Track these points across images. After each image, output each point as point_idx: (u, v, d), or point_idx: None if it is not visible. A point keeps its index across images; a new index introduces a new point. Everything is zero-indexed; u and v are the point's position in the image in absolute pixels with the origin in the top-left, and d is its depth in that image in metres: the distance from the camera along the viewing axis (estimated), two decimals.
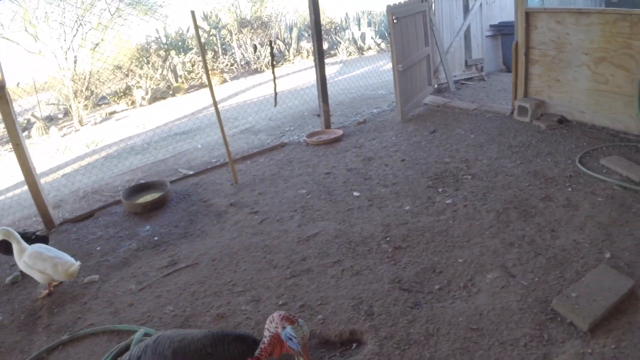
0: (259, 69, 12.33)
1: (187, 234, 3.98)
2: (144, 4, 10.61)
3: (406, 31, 5.60)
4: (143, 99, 10.16)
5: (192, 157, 5.95)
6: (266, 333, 1.56)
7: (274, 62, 5.49)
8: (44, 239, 4.02)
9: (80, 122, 9.26)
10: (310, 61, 12.58)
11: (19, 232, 3.39)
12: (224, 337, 1.58)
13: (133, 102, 10.26)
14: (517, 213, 3.40)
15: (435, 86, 6.80)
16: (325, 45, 13.09)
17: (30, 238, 3.91)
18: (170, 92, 10.57)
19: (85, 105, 9.73)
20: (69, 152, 7.95)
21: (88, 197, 5.43)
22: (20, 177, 4.50)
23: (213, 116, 5.23)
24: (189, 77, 11.49)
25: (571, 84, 4.82)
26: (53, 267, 3.16)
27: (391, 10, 5.30)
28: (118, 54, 9.82)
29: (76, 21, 9.36)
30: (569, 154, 4.23)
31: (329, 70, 10.94)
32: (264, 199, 4.35)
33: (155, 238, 4.01)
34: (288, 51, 12.85)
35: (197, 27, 4.25)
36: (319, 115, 6.64)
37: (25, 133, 9.14)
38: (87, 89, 9.84)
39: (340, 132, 5.68)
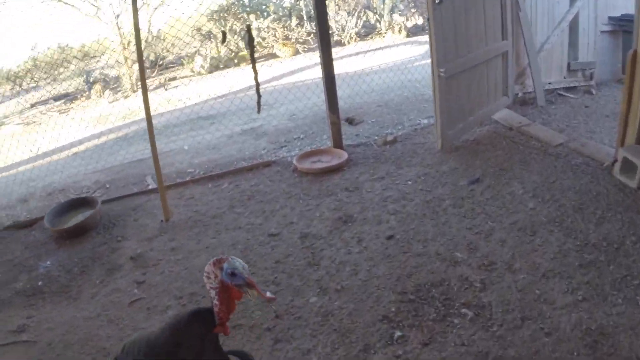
0: (342, 42, 10.61)
1: (64, 289, 3.02)
2: None
3: (462, 15, 3.59)
4: (202, 67, 9.30)
5: (169, 162, 4.80)
6: (212, 292, 1.38)
7: (253, 53, 3.96)
8: None
9: (133, 89, 8.77)
10: (402, 37, 10.47)
11: None
12: (180, 323, 1.42)
13: (192, 70, 9.49)
14: None
15: (519, 95, 4.58)
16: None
17: None
18: (235, 61, 9.51)
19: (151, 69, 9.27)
20: (103, 123, 7.45)
21: (54, 195, 4.69)
22: None
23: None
24: (262, 44, 10.28)
25: None
26: None
27: None
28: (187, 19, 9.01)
29: None
30: None
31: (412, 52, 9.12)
32: (170, 260, 3.04)
33: (40, 283, 3.13)
34: (379, 23, 10.81)
35: None
36: (348, 122, 4.99)
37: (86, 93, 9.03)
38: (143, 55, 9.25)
39: (344, 156, 4.00)
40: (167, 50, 9.85)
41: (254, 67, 3.86)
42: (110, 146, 5.93)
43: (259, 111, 4.09)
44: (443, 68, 3.50)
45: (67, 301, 2.88)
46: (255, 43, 3.84)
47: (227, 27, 9.99)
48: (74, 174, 5.05)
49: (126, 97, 8.69)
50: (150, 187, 4.17)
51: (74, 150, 6.23)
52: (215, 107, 6.36)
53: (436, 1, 3.32)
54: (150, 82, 9.17)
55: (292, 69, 8.80)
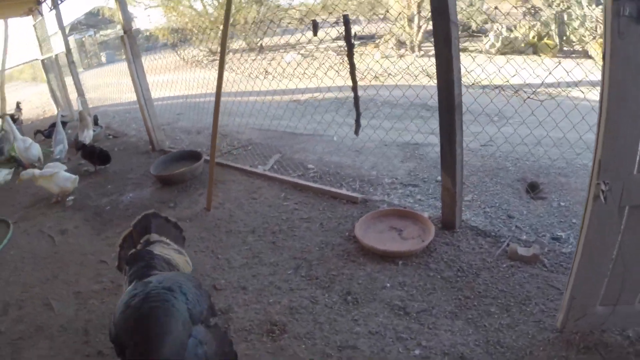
0: None
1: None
2: None
3: None
4: (492, 46, 7.65)
5: (301, 148, 4.24)
6: None
7: (352, 54, 2.64)
8: (106, 157, 4.42)
9: (415, 49, 8.15)
10: None
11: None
12: None
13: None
14: None
15: None
16: None
17: (94, 152, 4.42)
18: (530, 49, 7.36)
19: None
20: (361, 78, 7.26)
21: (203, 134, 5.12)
22: None
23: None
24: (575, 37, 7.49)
25: None
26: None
27: None
28: None
29: None
30: None
31: None
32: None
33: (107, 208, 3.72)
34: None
35: None
36: (529, 189, 3.24)
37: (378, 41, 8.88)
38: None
39: (429, 235, 2.52)
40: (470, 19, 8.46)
41: (352, 75, 2.74)
42: (325, 106, 5.70)
43: (356, 132, 2.98)
44: (610, 180, 1.54)
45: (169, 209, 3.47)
46: (355, 41, 2.64)
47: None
48: (250, 124, 5.19)
49: (401, 56, 8.18)
50: (260, 169, 3.91)
51: (295, 97, 6.37)
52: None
53: (624, 13, 1.36)
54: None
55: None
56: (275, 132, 4.87)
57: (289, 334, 2.06)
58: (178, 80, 6.23)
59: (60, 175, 3.86)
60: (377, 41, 8.96)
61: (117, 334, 1.36)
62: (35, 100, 13.18)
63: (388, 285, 2.31)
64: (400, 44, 8.84)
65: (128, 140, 5.89)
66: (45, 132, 6.16)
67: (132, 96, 5.32)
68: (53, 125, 6.01)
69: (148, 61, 5.92)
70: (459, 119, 2.41)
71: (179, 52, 6.42)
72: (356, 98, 2.79)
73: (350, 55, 2.65)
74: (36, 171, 3.84)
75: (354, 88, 2.76)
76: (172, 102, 7.20)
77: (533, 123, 3.30)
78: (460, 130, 2.45)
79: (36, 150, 4.95)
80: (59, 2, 6.65)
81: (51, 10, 6.86)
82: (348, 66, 2.69)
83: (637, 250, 1.64)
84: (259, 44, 9.44)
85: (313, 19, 2.71)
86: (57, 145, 4.99)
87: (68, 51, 6.77)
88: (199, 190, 3.72)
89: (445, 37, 2.19)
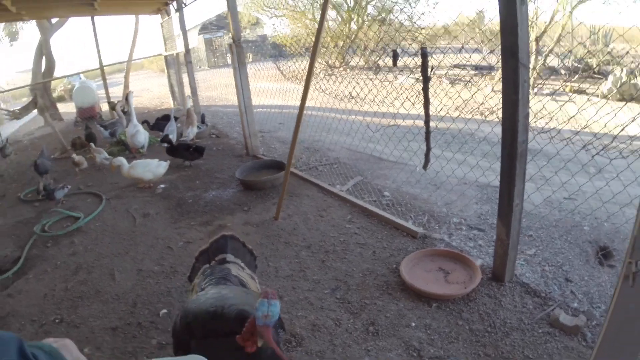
0: None
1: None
2: None
3: None
4: (610, 91, 6.72)
5: (391, 176, 4.31)
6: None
7: (427, 88, 2.57)
8: (199, 150, 5.02)
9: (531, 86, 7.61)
10: None
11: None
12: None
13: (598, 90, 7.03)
14: None
15: None
16: None
17: (189, 148, 5.05)
18: None
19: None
20: (465, 111, 7.11)
21: (305, 154, 5.44)
22: None
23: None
24: None
25: None
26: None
27: None
28: None
29: None
30: None
31: None
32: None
33: (190, 201, 4.19)
34: None
35: None
36: (601, 256, 2.97)
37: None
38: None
39: (476, 280, 2.47)
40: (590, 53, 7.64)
41: (426, 108, 2.77)
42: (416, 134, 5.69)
43: (425, 167, 2.99)
44: None
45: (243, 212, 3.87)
46: (431, 73, 2.65)
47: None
48: (342, 142, 5.36)
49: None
50: (336, 188, 4.12)
51: (399, 122, 6.40)
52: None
53: None
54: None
55: None
56: (363, 154, 5.01)
57: (303, 348, 2.21)
58: (290, 89, 6.65)
59: (148, 164, 4.45)
60: (493, 73, 8.55)
61: (188, 324, 1.42)
62: (156, 91, 14.65)
63: (413, 324, 2.32)
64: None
65: (228, 141, 6.44)
66: (151, 124, 6.83)
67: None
68: (163, 117, 6.87)
69: (271, 69, 6.37)
70: (521, 167, 2.32)
71: (279, 66, 6.86)
72: (427, 132, 2.83)
73: (425, 89, 2.70)
74: (124, 164, 4.43)
75: (426, 122, 2.80)
76: (278, 111, 7.68)
77: (629, 179, 2.97)
78: (522, 179, 2.36)
79: (142, 137, 5.78)
80: (184, 5, 7.41)
81: (176, 11, 7.58)
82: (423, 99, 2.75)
83: None
84: (376, 64, 9.68)
85: (394, 49, 2.82)
86: (167, 131, 5.86)
87: (187, 52, 7.49)
88: (274, 199, 3.99)
89: (514, 80, 2.14)
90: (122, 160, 4.52)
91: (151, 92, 14.06)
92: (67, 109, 12.54)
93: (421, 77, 2.69)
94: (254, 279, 2.02)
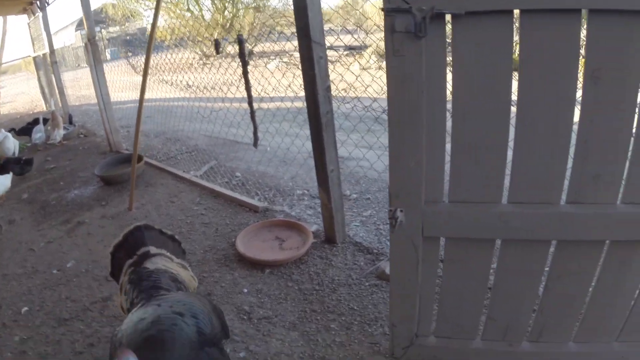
0: None
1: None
2: None
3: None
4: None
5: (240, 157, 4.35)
6: None
7: (246, 71, 2.76)
8: (29, 162, 4.59)
9: None
10: None
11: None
12: None
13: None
14: None
15: None
16: None
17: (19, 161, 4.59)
18: None
19: None
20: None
21: (167, 142, 5.27)
22: None
23: None
24: None
25: None
26: None
27: None
28: None
29: None
30: None
31: None
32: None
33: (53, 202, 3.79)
34: None
35: None
36: None
37: None
38: None
39: (307, 243, 2.61)
40: None
41: (247, 90, 2.85)
42: (282, 116, 5.74)
43: (255, 145, 3.08)
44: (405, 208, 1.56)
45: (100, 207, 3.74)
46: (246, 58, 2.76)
47: None
48: (203, 130, 5.28)
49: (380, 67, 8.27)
50: (190, 174, 4.04)
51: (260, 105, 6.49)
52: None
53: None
54: None
55: None
56: (221, 139, 4.99)
57: None
58: (172, 80, 6.36)
59: None
60: (362, 52, 9.08)
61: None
62: (32, 94, 13.48)
63: (245, 290, 2.38)
64: (380, 56, 8.91)
65: (94, 140, 6.11)
66: (17, 129, 6.40)
67: (116, 96, 5.56)
68: (33, 121, 6.31)
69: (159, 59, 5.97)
70: (329, 136, 2.47)
71: (130, 61, 6.60)
72: (252, 112, 2.90)
73: (245, 72, 2.77)
74: None
75: (250, 103, 2.87)
76: (149, 105, 7.34)
77: None
78: (333, 147, 2.52)
79: (11, 144, 5.24)
80: (47, 4, 6.95)
81: (39, 11, 7.13)
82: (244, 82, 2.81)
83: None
84: (250, 50, 9.68)
85: (215, 38, 2.85)
86: (35, 134, 5.62)
87: (51, 52, 7.04)
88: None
89: (309, 57, 2.27)
90: None
91: (26, 95, 12.64)
92: None
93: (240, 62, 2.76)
94: (186, 267, 1.88)
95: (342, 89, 3.47)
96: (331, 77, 2.42)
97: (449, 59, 1.32)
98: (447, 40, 1.32)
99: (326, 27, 2.32)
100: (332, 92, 2.44)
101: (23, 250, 3.18)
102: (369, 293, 2.32)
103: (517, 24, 1.21)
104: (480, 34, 1.23)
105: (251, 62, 2.92)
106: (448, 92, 1.37)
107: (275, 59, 9.46)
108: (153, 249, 1.79)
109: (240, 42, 2.66)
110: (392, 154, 1.47)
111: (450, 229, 1.48)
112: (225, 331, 1.57)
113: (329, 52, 2.48)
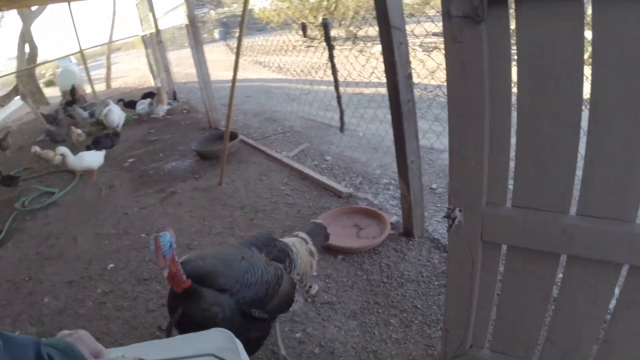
0: None
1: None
2: None
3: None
4: None
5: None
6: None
7: (331, 52, 2.63)
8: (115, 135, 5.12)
9: None
10: None
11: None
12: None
13: None
14: None
15: None
16: None
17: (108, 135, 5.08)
18: None
19: None
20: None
21: (266, 121, 5.52)
22: None
23: None
24: None
25: None
26: None
27: None
28: None
29: None
30: None
31: None
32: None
33: (151, 172, 4.25)
34: None
35: None
36: None
37: None
38: None
39: (385, 232, 2.59)
40: None
41: (334, 75, 2.84)
42: (378, 102, 5.70)
43: (341, 129, 3.06)
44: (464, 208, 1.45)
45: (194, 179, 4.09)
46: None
47: None
48: (300, 112, 5.39)
49: None
50: (282, 155, 4.23)
51: (359, 90, 6.40)
52: None
53: None
54: None
55: None
56: (317, 122, 5.06)
57: None
58: (265, 62, 6.68)
59: (91, 154, 4.48)
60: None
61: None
62: (143, 70, 14.73)
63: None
64: None
65: (196, 116, 6.57)
66: (125, 101, 6.91)
67: (218, 75, 5.95)
68: (145, 95, 6.97)
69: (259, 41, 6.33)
70: (410, 126, 2.37)
71: (228, 44, 6.86)
72: (339, 97, 2.89)
73: (331, 56, 2.76)
74: (68, 155, 4.34)
75: (336, 87, 2.86)
76: (252, 85, 7.71)
77: None
78: (414, 137, 2.42)
79: (116, 116, 5.89)
80: None
81: None
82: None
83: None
84: (355, 34, 9.55)
85: (302, 21, 2.88)
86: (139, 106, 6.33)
87: (157, 32, 7.47)
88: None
89: (389, 43, 2.19)
90: (65, 150, 4.42)
91: (137, 71, 14.14)
92: (56, 92, 12.72)
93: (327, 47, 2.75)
94: (313, 254, 2.03)
95: (424, 77, 3.29)
96: (412, 65, 2.30)
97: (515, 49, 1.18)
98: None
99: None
100: (413, 80, 2.33)
101: (118, 214, 3.61)
102: (436, 293, 2.21)
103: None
104: (549, 20, 1.07)
105: (355, 47, 2.91)
106: (513, 86, 1.23)
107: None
108: (302, 234, 2.07)
109: (325, 26, 2.65)
110: (452, 149, 1.39)
111: (511, 235, 1.34)
112: (263, 305, 1.61)
113: (412, 40, 2.36)
